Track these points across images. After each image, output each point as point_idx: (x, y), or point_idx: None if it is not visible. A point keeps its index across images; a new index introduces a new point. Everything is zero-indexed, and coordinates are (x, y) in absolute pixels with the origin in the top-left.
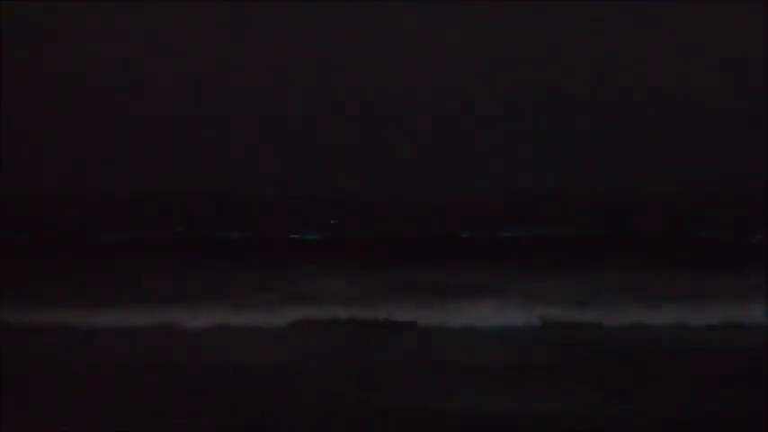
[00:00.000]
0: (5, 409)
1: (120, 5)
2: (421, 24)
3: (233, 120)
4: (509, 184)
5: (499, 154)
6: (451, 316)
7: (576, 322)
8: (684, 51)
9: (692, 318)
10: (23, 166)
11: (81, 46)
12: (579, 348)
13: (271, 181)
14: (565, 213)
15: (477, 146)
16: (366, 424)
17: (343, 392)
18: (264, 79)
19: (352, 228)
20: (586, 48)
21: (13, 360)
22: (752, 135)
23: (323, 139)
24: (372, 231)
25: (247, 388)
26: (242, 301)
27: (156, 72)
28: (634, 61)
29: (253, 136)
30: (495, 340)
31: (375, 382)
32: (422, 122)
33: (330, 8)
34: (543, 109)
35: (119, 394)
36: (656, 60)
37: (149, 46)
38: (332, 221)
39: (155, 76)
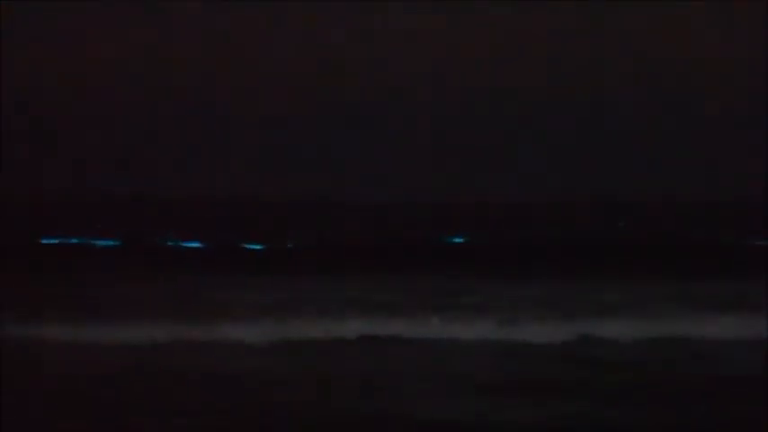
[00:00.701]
0: (5, 413)
1: (121, 6)
2: (421, 24)
3: (231, 120)
4: (507, 187)
5: (498, 157)
6: (447, 328)
7: (579, 333)
8: (685, 52)
9: (691, 328)
10: (22, 168)
11: (81, 46)
12: (577, 358)
13: (270, 183)
14: (563, 218)
15: (477, 148)
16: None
17: (340, 399)
18: (264, 79)
19: (347, 233)
20: (586, 48)
21: (12, 370)
22: (752, 137)
23: (321, 140)
24: (367, 236)
25: (246, 397)
26: (241, 312)
27: (156, 72)
28: (634, 61)
29: (252, 137)
30: (494, 353)
31: (374, 391)
32: (421, 123)
33: (330, 8)
34: (542, 111)
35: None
36: (656, 61)
37: (150, 46)
38: (319, 229)
39: (154, 77)
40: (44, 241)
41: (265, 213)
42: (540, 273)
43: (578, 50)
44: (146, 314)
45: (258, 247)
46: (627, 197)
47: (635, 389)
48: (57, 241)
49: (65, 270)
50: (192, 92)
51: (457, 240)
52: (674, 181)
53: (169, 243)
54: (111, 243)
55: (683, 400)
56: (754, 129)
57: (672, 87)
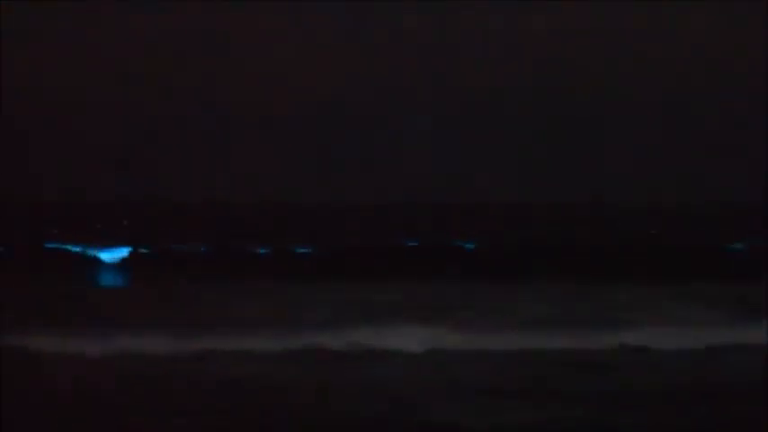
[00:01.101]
0: (6, 420)
1: (121, 6)
2: (421, 24)
3: (230, 122)
4: (507, 191)
5: (498, 159)
6: (448, 333)
7: (580, 337)
8: (684, 52)
9: (692, 331)
10: (21, 171)
11: (81, 46)
12: (576, 362)
13: (270, 185)
14: (564, 222)
15: (478, 149)
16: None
17: (340, 404)
18: (263, 81)
19: (347, 236)
20: (587, 49)
21: (12, 378)
22: (752, 140)
23: (321, 142)
24: (368, 240)
25: (247, 404)
26: (242, 318)
27: (156, 73)
28: (635, 62)
29: (251, 139)
30: (495, 357)
31: (375, 396)
32: (421, 123)
33: (330, 8)
34: (542, 113)
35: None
36: (656, 63)
37: (149, 47)
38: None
39: (154, 78)
40: (46, 246)
41: (266, 216)
42: (540, 277)
43: (578, 50)
44: (147, 321)
45: (260, 251)
46: (627, 199)
47: (635, 392)
48: (58, 246)
49: (66, 276)
50: (192, 94)
51: (458, 244)
52: (675, 182)
53: (171, 247)
54: (113, 247)
55: (683, 403)
56: (755, 130)
57: (673, 88)
